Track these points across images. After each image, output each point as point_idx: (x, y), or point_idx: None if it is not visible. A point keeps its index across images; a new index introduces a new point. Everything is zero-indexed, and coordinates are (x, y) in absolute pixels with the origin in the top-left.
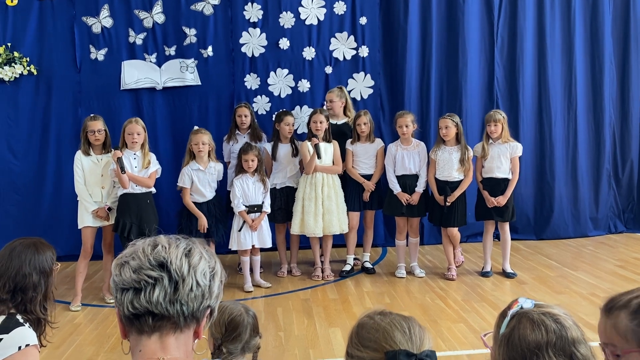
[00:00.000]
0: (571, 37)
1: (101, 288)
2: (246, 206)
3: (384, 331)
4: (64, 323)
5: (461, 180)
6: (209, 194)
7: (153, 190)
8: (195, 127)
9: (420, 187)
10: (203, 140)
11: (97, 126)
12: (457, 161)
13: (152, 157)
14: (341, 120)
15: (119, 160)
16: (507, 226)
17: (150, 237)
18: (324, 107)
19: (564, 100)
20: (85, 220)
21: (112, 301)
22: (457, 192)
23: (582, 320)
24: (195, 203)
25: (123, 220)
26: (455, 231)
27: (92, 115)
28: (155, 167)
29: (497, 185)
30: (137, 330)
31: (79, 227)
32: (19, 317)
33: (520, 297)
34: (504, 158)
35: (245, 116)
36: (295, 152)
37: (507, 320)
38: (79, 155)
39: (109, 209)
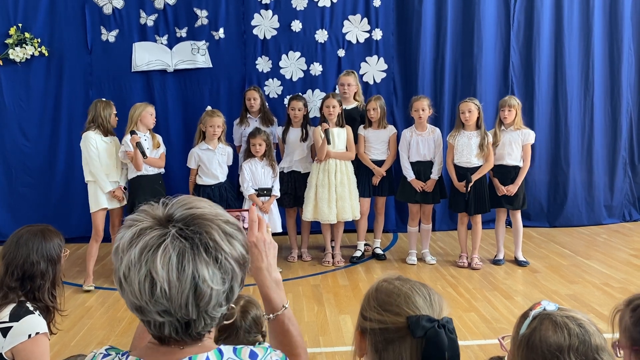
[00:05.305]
0: (589, 22)
1: (112, 270)
2: (255, 189)
3: (406, 296)
4: (75, 306)
5: (480, 166)
6: (220, 175)
7: (162, 170)
8: (209, 109)
9: (435, 175)
10: (218, 123)
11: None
12: (477, 146)
13: (159, 137)
14: (351, 105)
15: (139, 145)
16: (518, 214)
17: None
18: (336, 92)
19: (580, 85)
20: (101, 202)
21: None
22: (476, 176)
23: (595, 311)
24: (206, 186)
25: (139, 203)
26: (479, 218)
27: (103, 99)
28: (163, 148)
29: (507, 173)
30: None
31: (93, 211)
32: (29, 305)
33: (543, 300)
34: (516, 145)
35: (254, 99)
36: (305, 137)
37: (529, 321)
38: (91, 134)
39: (125, 188)
